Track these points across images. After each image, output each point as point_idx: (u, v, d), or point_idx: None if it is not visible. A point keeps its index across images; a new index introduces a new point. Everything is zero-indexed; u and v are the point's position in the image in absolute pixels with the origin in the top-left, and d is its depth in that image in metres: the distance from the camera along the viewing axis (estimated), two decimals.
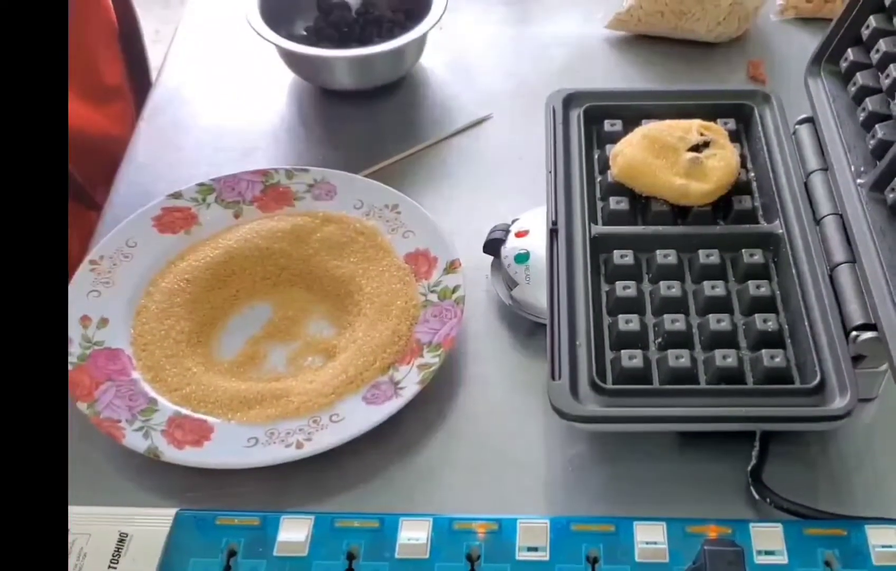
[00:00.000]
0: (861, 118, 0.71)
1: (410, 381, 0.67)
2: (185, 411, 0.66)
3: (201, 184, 0.80)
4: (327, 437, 0.64)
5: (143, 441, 0.64)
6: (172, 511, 0.60)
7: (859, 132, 0.71)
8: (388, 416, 0.65)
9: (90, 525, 0.59)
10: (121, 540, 0.58)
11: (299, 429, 0.64)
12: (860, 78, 0.72)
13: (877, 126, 0.68)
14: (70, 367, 0.68)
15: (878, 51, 0.71)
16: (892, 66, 0.69)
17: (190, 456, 0.63)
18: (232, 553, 0.58)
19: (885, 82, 0.69)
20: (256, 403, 0.66)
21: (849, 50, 0.74)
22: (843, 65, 0.74)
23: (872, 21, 0.72)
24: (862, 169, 0.68)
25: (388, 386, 0.67)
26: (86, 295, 0.72)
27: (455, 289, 0.72)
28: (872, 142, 0.68)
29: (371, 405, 0.66)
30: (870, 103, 0.70)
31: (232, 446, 0.64)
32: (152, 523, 0.59)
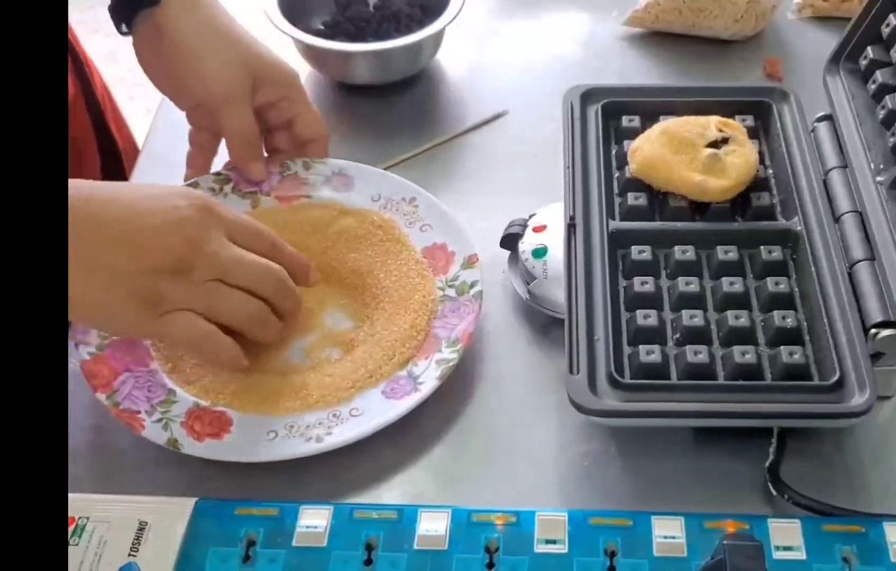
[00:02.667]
0: (881, 116, 0.71)
1: (429, 376, 0.67)
2: (203, 403, 0.66)
3: (218, 174, 0.80)
4: (347, 431, 0.64)
5: (163, 432, 0.64)
6: (192, 501, 0.60)
7: (879, 130, 0.71)
8: (407, 411, 0.65)
9: (110, 514, 0.59)
10: (140, 529, 0.58)
11: (319, 423, 0.64)
12: (880, 76, 0.72)
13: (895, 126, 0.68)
14: (88, 357, 0.68)
15: None
16: None
17: (210, 448, 0.63)
18: (251, 543, 0.58)
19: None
20: (275, 395, 0.66)
21: (868, 48, 0.74)
22: (863, 63, 0.74)
23: (893, 19, 0.73)
24: (881, 166, 0.68)
25: (407, 380, 0.67)
26: None
27: (473, 285, 0.72)
28: (892, 140, 0.68)
29: (390, 399, 0.66)
30: (889, 101, 0.70)
31: (252, 439, 0.64)
32: (172, 512, 0.59)
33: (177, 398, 0.66)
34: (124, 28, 0.79)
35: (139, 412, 0.65)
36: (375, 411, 0.65)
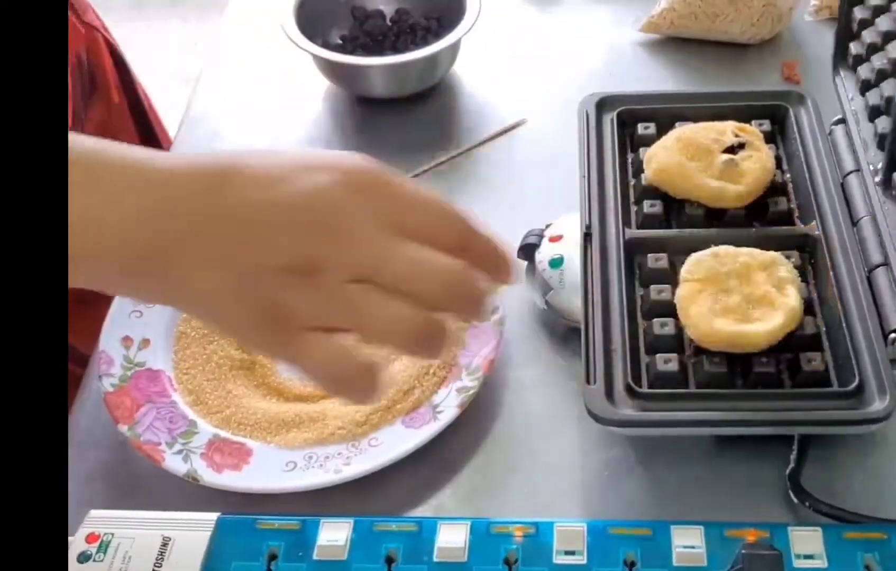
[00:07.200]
0: (867, 114, 0.70)
1: (449, 404, 0.66)
2: (224, 433, 0.66)
3: None
4: (366, 463, 0.64)
5: (183, 464, 0.64)
6: (214, 516, 0.60)
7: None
8: (426, 440, 0.65)
9: (134, 530, 0.60)
10: (164, 544, 0.59)
11: (338, 453, 0.64)
12: (861, 72, 0.72)
13: (876, 121, 0.68)
14: (111, 389, 0.68)
15: (865, 41, 0.71)
16: (874, 57, 0.69)
17: (229, 479, 0.64)
18: (273, 557, 0.58)
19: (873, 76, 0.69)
20: (294, 426, 0.66)
21: (850, 44, 0.74)
22: (850, 61, 0.74)
23: (857, 13, 0.72)
24: (879, 166, 0.68)
25: (427, 409, 0.67)
26: (128, 316, 0.72)
27: (494, 311, 0.71)
28: (875, 138, 0.67)
29: (409, 428, 0.66)
30: (870, 98, 0.70)
31: (270, 470, 0.64)
32: (194, 527, 0.60)
33: (198, 429, 0.67)
34: None
35: (160, 444, 0.65)
36: (394, 441, 0.65)
